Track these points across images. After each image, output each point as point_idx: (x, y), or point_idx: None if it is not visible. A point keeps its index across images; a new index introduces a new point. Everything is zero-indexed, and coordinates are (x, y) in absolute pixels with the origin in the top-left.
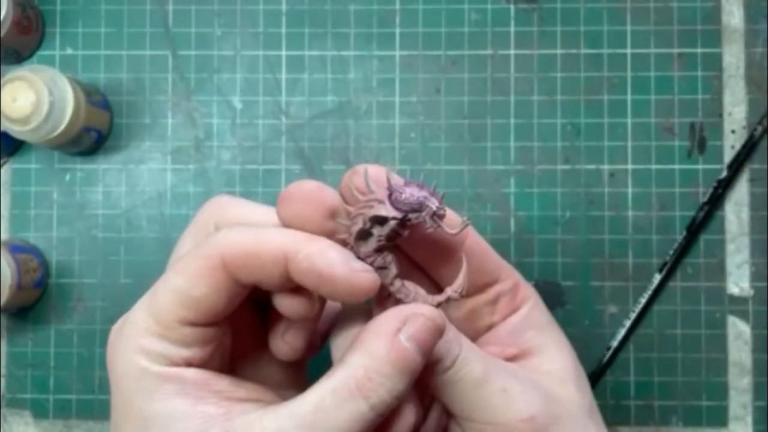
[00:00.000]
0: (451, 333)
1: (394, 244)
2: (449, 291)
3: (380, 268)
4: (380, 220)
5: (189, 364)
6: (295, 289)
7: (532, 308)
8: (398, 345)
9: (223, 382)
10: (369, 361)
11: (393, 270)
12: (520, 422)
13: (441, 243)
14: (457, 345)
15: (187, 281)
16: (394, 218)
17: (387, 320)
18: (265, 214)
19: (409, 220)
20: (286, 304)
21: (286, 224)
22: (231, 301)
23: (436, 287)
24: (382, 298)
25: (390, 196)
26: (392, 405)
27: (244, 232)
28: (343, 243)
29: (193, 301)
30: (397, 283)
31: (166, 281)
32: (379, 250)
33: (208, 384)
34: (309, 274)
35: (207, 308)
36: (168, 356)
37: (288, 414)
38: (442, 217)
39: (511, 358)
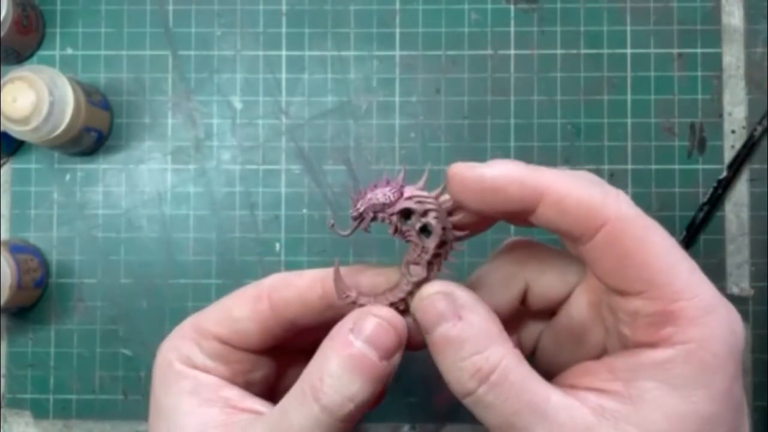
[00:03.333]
0: (470, 362)
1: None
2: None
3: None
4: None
5: (208, 373)
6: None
7: (678, 360)
8: (348, 345)
9: (233, 392)
10: (321, 363)
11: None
12: None
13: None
14: (473, 380)
15: (235, 303)
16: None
17: (341, 323)
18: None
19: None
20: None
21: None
22: (264, 335)
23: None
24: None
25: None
26: (347, 407)
27: (289, 272)
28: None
29: (232, 320)
30: (405, 268)
31: (222, 300)
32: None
33: (219, 389)
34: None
35: (240, 330)
36: (193, 360)
37: (262, 421)
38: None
39: (601, 390)
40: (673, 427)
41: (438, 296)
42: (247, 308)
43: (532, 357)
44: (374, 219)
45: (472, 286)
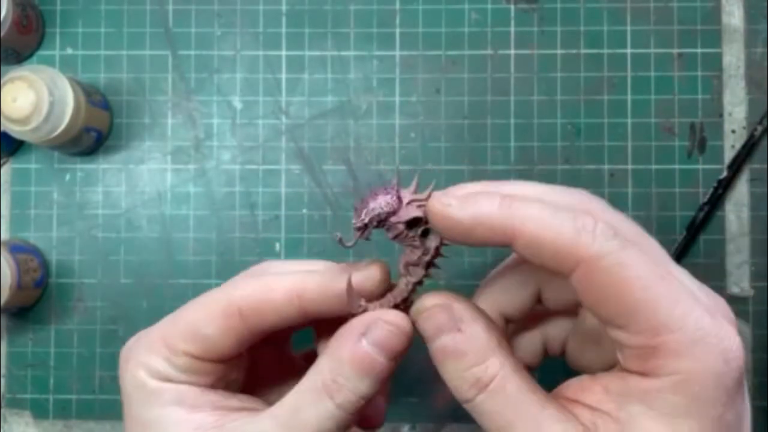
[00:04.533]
0: (470, 373)
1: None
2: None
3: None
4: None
5: (189, 383)
6: None
7: (666, 390)
8: (360, 349)
9: (216, 395)
10: (333, 364)
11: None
12: None
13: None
14: (473, 390)
15: (203, 318)
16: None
17: (352, 326)
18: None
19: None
20: None
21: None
22: (238, 346)
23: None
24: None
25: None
26: (359, 403)
27: (253, 281)
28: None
29: (203, 338)
30: (404, 270)
31: (187, 312)
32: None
33: (203, 395)
34: (324, 303)
35: (213, 347)
36: (167, 375)
37: (269, 417)
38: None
39: (592, 408)
40: None
41: (437, 309)
42: (217, 325)
43: (562, 357)
44: (378, 227)
45: (489, 284)
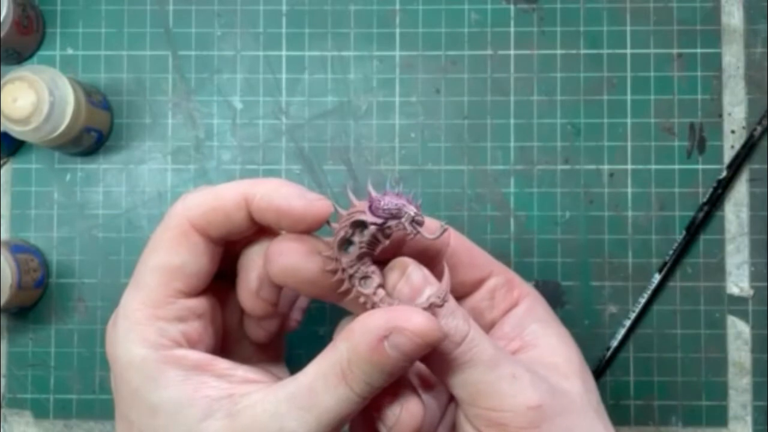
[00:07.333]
0: (460, 312)
1: (375, 252)
2: (432, 297)
3: (364, 278)
4: (360, 225)
5: (188, 340)
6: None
7: (532, 303)
8: (381, 350)
9: (222, 365)
10: (353, 355)
11: (376, 280)
12: (528, 409)
13: (423, 250)
14: (466, 324)
15: (165, 254)
16: (373, 224)
17: (376, 322)
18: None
19: (389, 226)
20: (252, 329)
21: (280, 282)
22: (211, 262)
23: None
24: (365, 309)
25: (370, 205)
26: (375, 391)
27: (201, 192)
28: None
29: (177, 270)
30: (381, 292)
31: (145, 264)
32: (360, 257)
33: (209, 367)
34: (268, 211)
35: (191, 273)
36: (166, 335)
37: (286, 396)
38: (420, 223)
39: (514, 352)
40: (563, 344)
41: (411, 268)
42: (182, 250)
43: None
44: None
45: None
